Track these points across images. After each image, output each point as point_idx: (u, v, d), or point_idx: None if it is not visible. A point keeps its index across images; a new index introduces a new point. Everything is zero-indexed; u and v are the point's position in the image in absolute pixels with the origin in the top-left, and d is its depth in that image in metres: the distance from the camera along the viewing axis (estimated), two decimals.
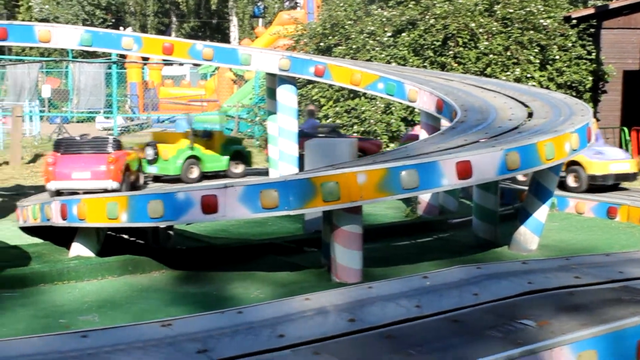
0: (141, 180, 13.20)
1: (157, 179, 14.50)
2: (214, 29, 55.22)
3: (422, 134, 11.30)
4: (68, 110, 29.91)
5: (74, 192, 11.57)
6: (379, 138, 17.97)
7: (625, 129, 18.92)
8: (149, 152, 14.09)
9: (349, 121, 19.10)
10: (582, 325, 4.92)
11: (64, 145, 12.35)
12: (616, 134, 19.33)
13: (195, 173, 14.49)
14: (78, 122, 29.65)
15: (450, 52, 18.30)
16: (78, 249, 8.26)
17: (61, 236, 8.80)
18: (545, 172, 8.50)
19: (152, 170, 14.22)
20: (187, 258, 8.28)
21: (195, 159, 14.52)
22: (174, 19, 54.51)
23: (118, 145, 12.38)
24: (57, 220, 8.04)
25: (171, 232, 8.84)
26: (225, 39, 49.85)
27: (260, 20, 51.20)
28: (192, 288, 7.23)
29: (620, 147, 18.17)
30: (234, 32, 51.33)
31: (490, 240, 9.29)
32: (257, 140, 22.61)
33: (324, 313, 5.23)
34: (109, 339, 4.65)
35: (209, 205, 6.74)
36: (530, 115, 9.32)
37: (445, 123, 10.47)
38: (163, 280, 7.59)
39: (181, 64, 38.85)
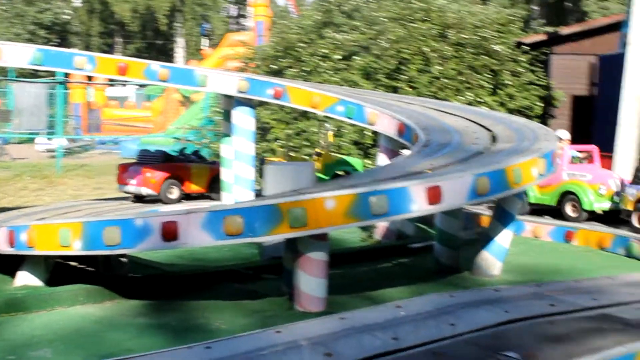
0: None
1: None
2: (159, 50, 54.66)
3: None
4: (8, 131, 29.03)
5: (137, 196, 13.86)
6: None
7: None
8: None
9: (299, 144, 18.87)
10: (568, 357, 4.74)
11: (138, 156, 14.65)
12: None
13: None
14: (20, 143, 28.84)
15: (404, 77, 18.23)
16: (25, 278, 7.80)
17: (6, 264, 8.32)
18: (509, 197, 8.37)
19: None
20: (142, 286, 7.88)
21: None
22: (118, 39, 53.84)
23: (167, 159, 14.19)
24: (3, 248, 7.60)
25: (124, 259, 8.46)
26: (170, 60, 49.37)
27: (207, 41, 50.92)
28: (149, 319, 6.84)
29: None
30: (179, 53, 50.90)
31: (452, 265, 9.12)
32: None
33: (297, 347, 4.95)
34: None
35: (170, 232, 6.39)
36: (494, 139, 9.20)
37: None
38: (117, 310, 7.18)
39: (124, 85, 38.26)
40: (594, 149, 13.13)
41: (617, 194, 11.84)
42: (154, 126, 30.88)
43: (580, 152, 13.09)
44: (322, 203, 6.52)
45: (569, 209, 12.27)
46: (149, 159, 14.20)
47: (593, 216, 12.08)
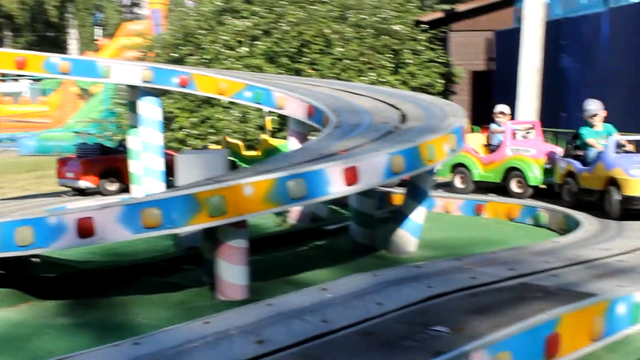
0: None
1: None
2: (51, 42, 53.02)
3: None
4: None
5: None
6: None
7: (475, 128, 19.52)
8: None
9: (204, 131, 18.68)
10: (494, 327, 4.84)
11: (77, 150, 14.68)
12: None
13: None
14: None
15: (306, 59, 18.26)
16: None
17: None
18: (422, 174, 8.48)
19: None
20: (57, 286, 7.66)
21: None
22: (7, 33, 51.97)
23: (106, 151, 14.47)
24: None
25: (36, 259, 8.18)
26: (64, 52, 47.95)
27: (100, 31, 49.75)
28: (68, 319, 6.65)
29: None
30: (73, 45, 49.53)
31: (369, 244, 9.20)
32: None
33: (228, 337, 4.89)
34: None
35: (85, 229, 6.21)
36: (403, 117, 9.30)
37: None
38: (34, 313, 6.95)
39: (16, 79, 37.05)
40: (535, 123, 13.06)
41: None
42: (52, 121, 30.01)
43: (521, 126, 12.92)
44: (240, 190, 6.47)
45: (514, 185, 12.01)
46: (88, 152, 14.35)
47: (536, 191, 11.84)
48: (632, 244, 7.93)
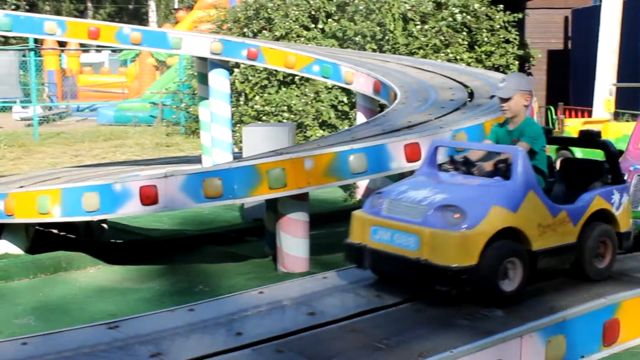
0: None
1: None
2: (131, 14, 53.96)
3: None
4: None
5: None
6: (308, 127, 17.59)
7: (552, 108, 19.13)
8: None
9: (279, 109, 18.67)
10: (549, 310, 4.78)
11: None
12: (542, 112, 19.55)
13: None
14: None
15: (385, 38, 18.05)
16: (5, 247, 7.74)
17: None
18: None
19: None
20: (124, 252, 7.88)
21: None
22: (89, 4, 53.10)
23: None
24: None
25: (104, 225, 8.43)
26: (144, 24, 48.73)
27: (176, 2, 50.35)
28: (132, 284, 6.85)
29: (547, 125, 18.28)
30: (152, 16, 50.25)
31: None
32: (183, 127, 22.07)
33: (280, 307, 4.97)
34: (52, 346, 4.29)
35: (149, 197, 6.35)
36: (471, 95, 9.18)
37: None
38: (100, 276, 7.18)
39: (99, 51, 37.81)
40: None
41: None
42: (129, 92, 30.61)
43: None
44: (301, 163, 6.51)
45: None
46: None
47: None
48: None
